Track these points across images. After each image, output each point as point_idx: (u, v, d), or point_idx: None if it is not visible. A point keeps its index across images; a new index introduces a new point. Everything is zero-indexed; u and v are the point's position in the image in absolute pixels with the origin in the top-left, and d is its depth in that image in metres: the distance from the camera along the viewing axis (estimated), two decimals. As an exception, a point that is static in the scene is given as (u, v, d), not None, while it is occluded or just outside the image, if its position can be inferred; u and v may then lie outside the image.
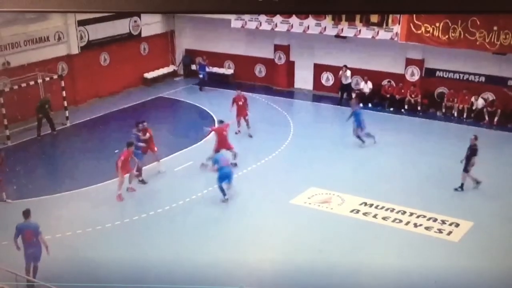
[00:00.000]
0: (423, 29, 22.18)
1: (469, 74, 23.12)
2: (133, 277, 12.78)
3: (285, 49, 26.75)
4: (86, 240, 14.44)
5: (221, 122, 18.58)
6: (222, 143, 18.02)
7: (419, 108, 23.72)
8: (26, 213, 12.40)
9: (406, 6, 3.01)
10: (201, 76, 27.10)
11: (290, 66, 26.90)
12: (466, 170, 16.61)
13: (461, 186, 16.69)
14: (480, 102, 22.66)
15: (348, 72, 24.54)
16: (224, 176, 16.17)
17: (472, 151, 16.52)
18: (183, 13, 16.49)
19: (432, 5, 3.03)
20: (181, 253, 13.85)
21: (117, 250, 14.14)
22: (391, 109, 24.03)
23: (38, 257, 12.44)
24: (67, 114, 22.62)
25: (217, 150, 17.62)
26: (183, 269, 13.00)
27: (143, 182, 17.41)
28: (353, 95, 24.75)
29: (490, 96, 22.69)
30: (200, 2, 3.22)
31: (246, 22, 25.30)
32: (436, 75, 23.90)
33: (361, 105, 21.87)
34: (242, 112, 20.99)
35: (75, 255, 13.76)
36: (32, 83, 21.41)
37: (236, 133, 20.59)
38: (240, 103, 20.94)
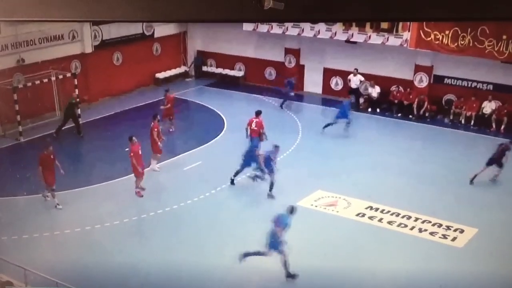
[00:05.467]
0: (432, 36, 22.34)
1: (478, 82, 23.26)
2: (136, 280, 12.92)
3: (296, 53, 26.97)
4: (87, 239, 14.65)
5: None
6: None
7: (427, 114, 23.86)
8: (291, 210, 13.31)
9: (412, 14, 3.03)
10: (292, 94, 25.15)
11: (300, 70, 27.12)
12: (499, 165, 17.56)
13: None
14: (492, 105, 22.71)
15: (359, 76, 24.70)
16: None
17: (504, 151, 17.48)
18: (189, 21, 16.57)
19: (435, 13, 3.06)
20: (185, 255, 13.92)
21: (124, 248, 14.28)
22: (399, 114, 24.16)
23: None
24: (79, 112, 22.90)
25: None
26: (185, 273, 13.07)
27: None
28: (361, 100, 24.94)
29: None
30: (205, 11, 3.29)
31: (257, 25, 25.51)
32: (445, 82, 24.04)
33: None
34: (169, 112, 21.78)
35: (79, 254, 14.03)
36: (45, 80, 21.76)
37: (169, 130, 21.36)
38: (169, 105, 21.75)
